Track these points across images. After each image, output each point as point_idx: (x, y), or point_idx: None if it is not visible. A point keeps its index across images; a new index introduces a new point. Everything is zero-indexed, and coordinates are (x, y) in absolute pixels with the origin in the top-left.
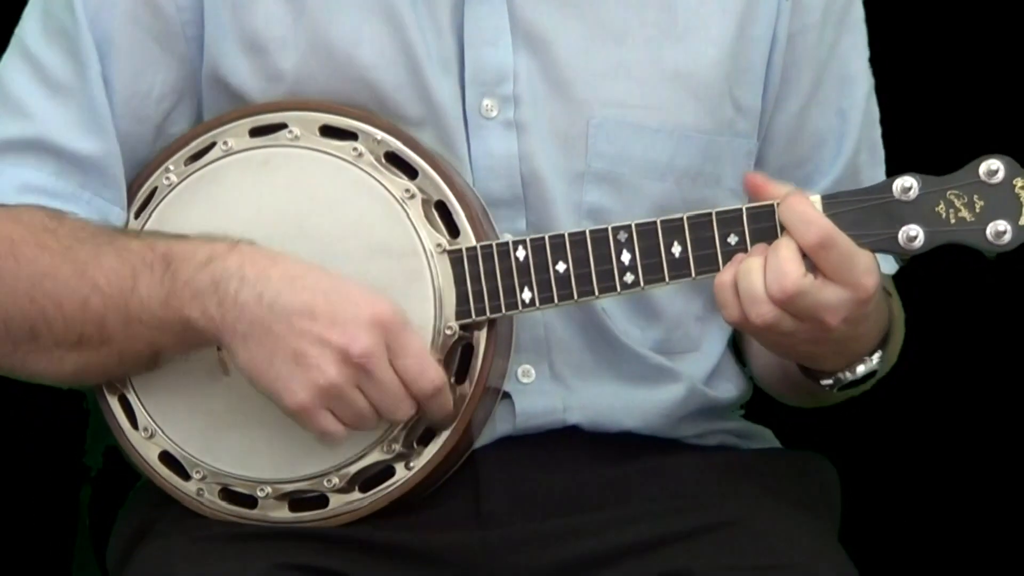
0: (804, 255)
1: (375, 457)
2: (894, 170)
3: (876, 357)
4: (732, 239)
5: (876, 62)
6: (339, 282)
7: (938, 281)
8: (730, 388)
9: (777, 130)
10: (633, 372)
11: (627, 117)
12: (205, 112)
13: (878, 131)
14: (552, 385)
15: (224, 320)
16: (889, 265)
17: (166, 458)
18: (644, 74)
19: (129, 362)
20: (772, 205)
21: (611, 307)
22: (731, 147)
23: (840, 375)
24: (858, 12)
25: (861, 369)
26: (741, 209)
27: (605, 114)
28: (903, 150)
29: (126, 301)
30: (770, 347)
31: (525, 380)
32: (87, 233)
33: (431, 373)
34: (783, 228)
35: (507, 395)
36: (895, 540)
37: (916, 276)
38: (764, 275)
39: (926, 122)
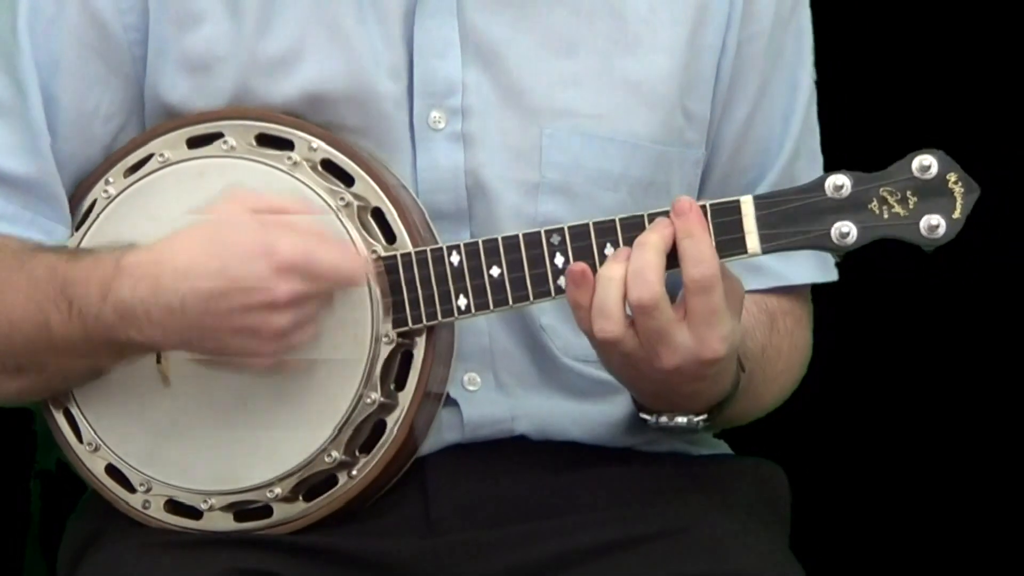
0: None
1: (317, 466)
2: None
3: (700, 419)
4: None
5: (818, 65)
6: (220, 249)
7: (888, 287)
8: None
9: (723, 138)
10: (576, 387)
11: (580, 127)
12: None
13: (817, 139)
14: (498, 394)
15: (157, 338)
16: (826, 274)
17: (111, 471)
18: (596, 84)
19: (71, 382)
20: (705, 205)
21: (552, 322)
22: (680, 156)
23: (660, 418)
24: (804, 19)
25: (680, 420)
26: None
27: (558, 124)
28: (843, 157)
29: (48, 337)
30: (605, 365)
31: (471, 388)
32: (3, 258)
33: (349, 259)
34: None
35: (454, 402)
36: (845, 547)
37: (867, 279)
38: (623, 286)
39: (867, 127)
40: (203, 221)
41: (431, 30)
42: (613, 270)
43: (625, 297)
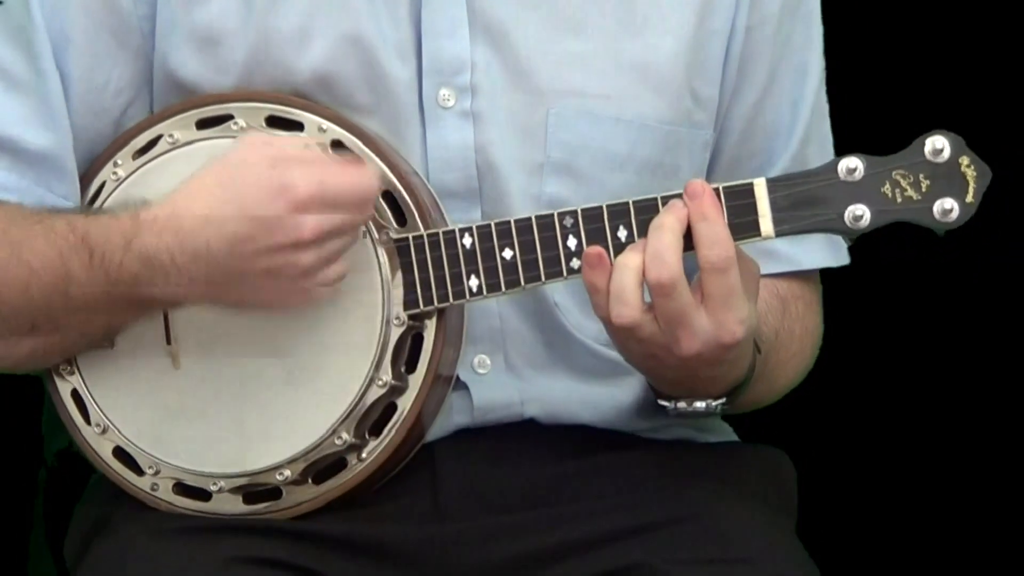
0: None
1: (326, 449)
2: (836, 130)
3: (719, 403)
4: None
5: (828, 52)
6: (237, 192)
7: (894, 279)
8: None
9: (733, 122)
10: (587, 367)
11: (586, 107)
12: (156, 106)
13: (827, 124)
14: (508, 377)
15: (185, 288)
16: (838, 258)
17: (119, 453)
18: (603, 65)
19: (85, 343)
20: (719, 188)
21: (565, 300)
22: (689, 138)
23: (679, 404)
24: (814, 5)
25: (699, 405)
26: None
27: (565, 104)
28: (853, 142)
29: (65, 288)
30: (623, 353)
31: (481, 370)
32: (21, 214)
33: (361, 176)
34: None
35: (464, 385)
36: (853, 534)
37: (871, 274)
38: (641, 273)
39: (877, 113)
40: (213, 165)
41: (438, 9)
42: (630, 258)
43: (643, 282)
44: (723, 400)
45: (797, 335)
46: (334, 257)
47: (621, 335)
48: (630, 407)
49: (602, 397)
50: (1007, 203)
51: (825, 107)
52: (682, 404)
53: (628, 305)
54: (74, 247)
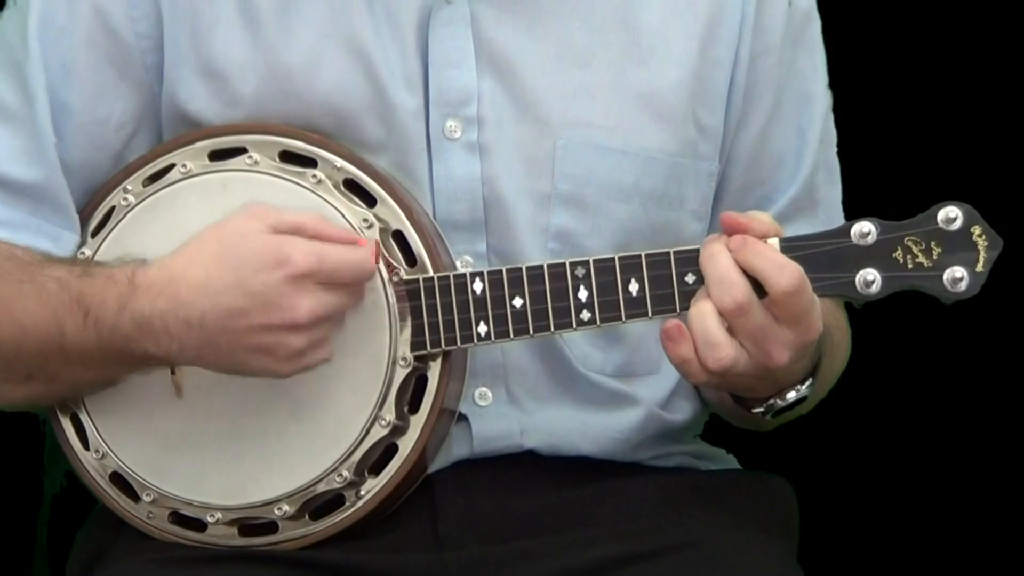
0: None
1: (325, 486)
2: (850, 192)
3: (807, 385)
4: (690, 278)
5: (834, 82)
6: (234, 262)
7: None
8: (687, 409)
9: (739, 151)
10: (590, 397)
11: (593, 138)
12: (165, 139)
13: (834, 151)
14: (509, 408)
15: (173, 351)
16: None
17: (117, 479)
18: (609, 96)
19: (83, 391)
20: None
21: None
22: (694, 169)
23: (771, 402)
24: (815, 32)
25: (791, 396)
26: (699, 249)
27: (571, 135)
28: (860, 172)
29: (61, 345)
30: (703, 384)
31: (482, 403)
32: (11, 265)
33: (363, 260)
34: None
35: (464, 417)
36: (854, 561)
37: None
38: (717, 313)
39: (883, 143)
40: (214, 231)
41: (445, 40)
42: (699, 305)
43: (721, 319)
44: (810, 382)
45: (833, 325)
46: (322, 342)
47: (722, 378)
48: (631, 437)
49: (604, 427)
50: (1008, 203)
51: (833, 136)
52: (776, 401)
53: (719, 345)
54: (68, 307)
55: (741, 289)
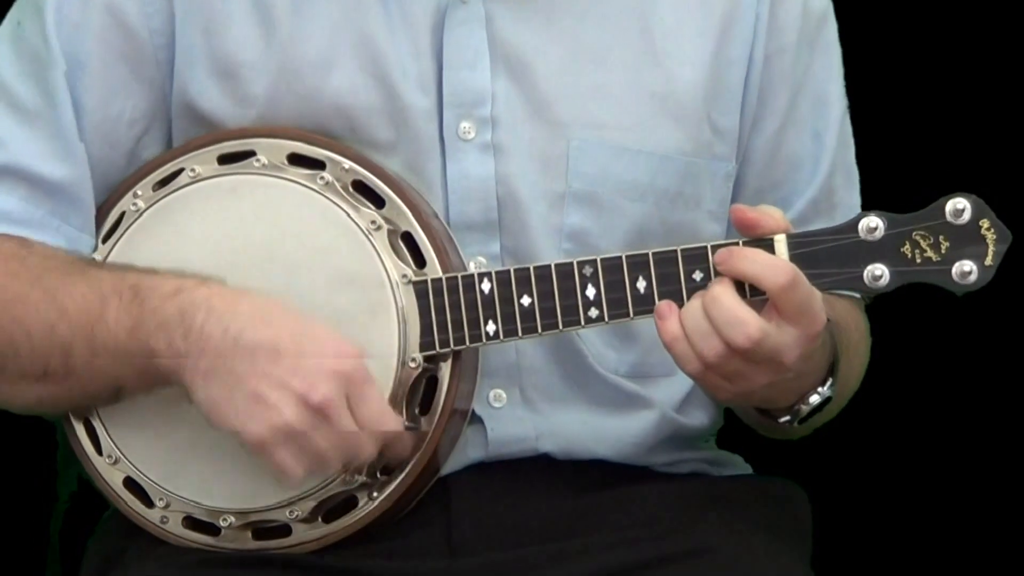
0: (743, 295)
1: (338, 487)
2: (867, 191)
3: (828, 386)
4: (697, 275)
5: (850, 83)
6: (307, 324)
7: (907, 307)
8: (701, 416)
9: (754, 152)
10: (604, 399)
11: (607, 138)
12: (175, 137)
13: (852, 153)
14: (524, 411)
15: (188, 354)
16: None
17: (130, 484)
18: (623, 96)
19: (91, 398)
20: (738, 243)
21: (586, 331)
22: (710, 169)
23: (796, 408)
24: (832, 34)
25: (815, 399)
26: (706, 246)
27: (585, 135)
28: (877, 172)
29: (93, 328)
30: (727, 399)
31: (496, 404)
32: (57, 261)
33: (389, 422)
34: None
35: (479, 419)
36: (867, 567)
37: (886, 304)
38: (709, 316)
39: (899, 143)
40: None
41: (460, 40)
42: (712, 288)
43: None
44: (830, 382)
45: (851, 326)
46: (302, 449)
47: (734, 397)
48: (646, 441)
49: (619, 430)
50: (1007, 203)
51: (850, 138)
52: (801, 406)
53: (745, 322)
54: (119, 291)
55: (753, 325)
